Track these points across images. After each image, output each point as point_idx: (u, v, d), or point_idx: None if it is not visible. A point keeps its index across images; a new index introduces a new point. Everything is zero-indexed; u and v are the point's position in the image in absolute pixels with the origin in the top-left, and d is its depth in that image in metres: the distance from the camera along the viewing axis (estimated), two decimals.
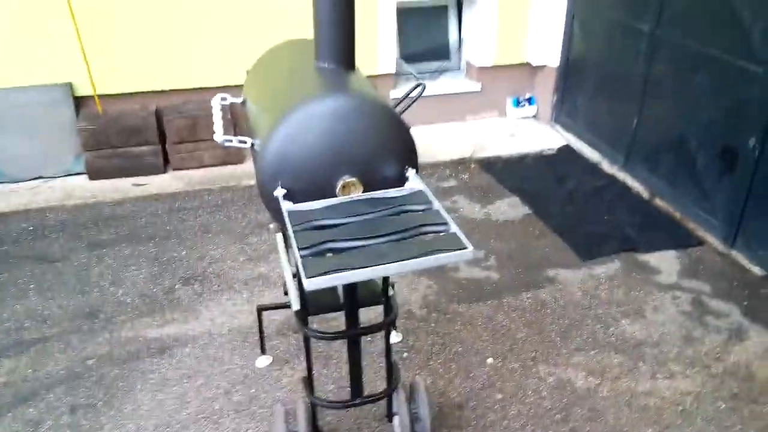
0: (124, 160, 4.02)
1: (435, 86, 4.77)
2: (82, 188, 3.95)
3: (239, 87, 2.34)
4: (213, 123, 2.04)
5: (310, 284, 1.35)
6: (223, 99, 2.11)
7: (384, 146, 1.73)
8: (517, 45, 4.74)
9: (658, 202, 3.69)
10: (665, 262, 3.20)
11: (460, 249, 1.42)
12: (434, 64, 5.01)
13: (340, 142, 1.70)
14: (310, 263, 1.40)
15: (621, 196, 3.82)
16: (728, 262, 3.17)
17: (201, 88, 4.16)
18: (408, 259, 1.38)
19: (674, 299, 2.94)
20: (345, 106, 1.70)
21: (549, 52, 4.67)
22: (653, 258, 3.23)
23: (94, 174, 4.01)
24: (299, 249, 1.45)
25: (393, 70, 4.62)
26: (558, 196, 3.88)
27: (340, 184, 1.70)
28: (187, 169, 4.17)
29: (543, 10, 4.57)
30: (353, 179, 1.70)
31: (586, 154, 4.37)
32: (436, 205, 1.61)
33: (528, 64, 4.83)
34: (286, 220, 1.57)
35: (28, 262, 3.26)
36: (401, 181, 1.76)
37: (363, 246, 1.48)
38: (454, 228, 1.52)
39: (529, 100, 4.97)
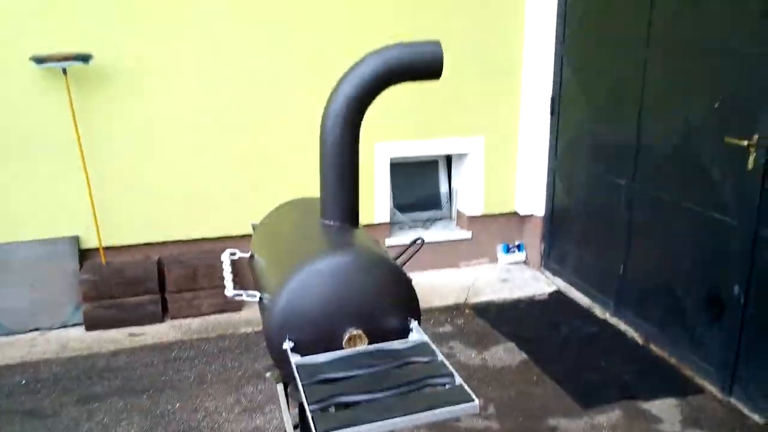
0: (123, 310, 4.06)
1: (428, 234, 4.97)
2: (78, 339, 3.94)
3: (237, 237, 2.45)
4: (215, 273, 2.13)
5: None
6: (233, 254, 2.22)
7: (387, 299, 1.82)
8: (505, 196, 5.02)
9: (653, 347, 3.72)
10: (666, 410, 3.18)
11: (466, 402, 1.46)
12: (426, 214, 5.26)
13: (345, 296, 1.79)
14: (319, 418, 1.43)
15: (615, 342, 3.86)
16: (728, 410, 3.15)
17: (202, 239, 4.32)
18: (416, 412, 1.41)
19: None
20: (349, 263, 1.81)
21: (534, 203, 4.93)
22: (654, 406, 3.21)
23: (92, 324, 4.03)
24: (309, 404, 1.48)
25: (388, 219, 4.83)
26: (553, 341, 3.91)
27: (346, 336, 1.77)
28: (185, 317, 4.20)
29: (527, 165, 4.90)
30: (359, 331, 1.77)
31: (578, 300, 4.46)
32: (440, 356, 1.66)
33: (516, 213, 5.07)
34: (295, 374, 1.61)
35: (18, 417, 3.18)
36: (405, 332, 1.83)
37: (371, 400, 1.52)
38: (459, 380, 1.56)
39: (519, 247, 5.16)
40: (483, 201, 4.99)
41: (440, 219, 5.30)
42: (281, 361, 1.78)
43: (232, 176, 4.34)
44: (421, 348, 1.73)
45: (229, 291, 2.00)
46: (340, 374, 1.62)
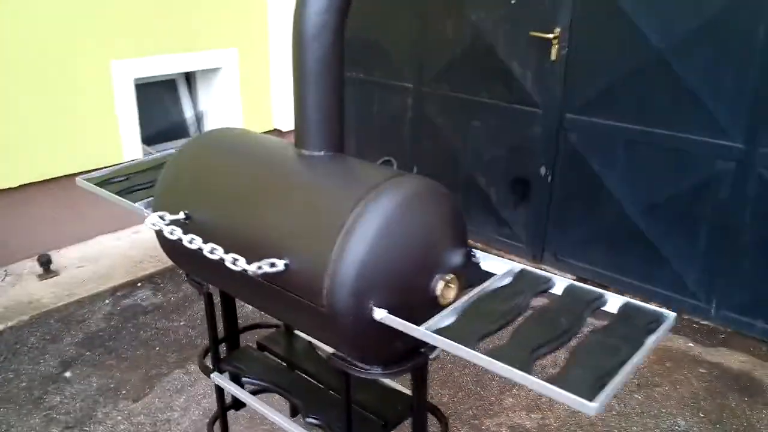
0: None
1: None
2: None
3: None
4: None
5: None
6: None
7: (453, 231, 1.51)
8: (264, 112, 4.62)
9: None
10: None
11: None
12: (173, 144, 4.51)
13: (424, 237, 1.43)
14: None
15: None
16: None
17: None
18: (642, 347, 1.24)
19: None
20: (419, 196, 1.45)
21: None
22: None
23: None
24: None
25: (141, 157, 3.99)
26: None
27: (440, 285, 1.43)
28: None
29: (284, 76, 4.56)
30: (452, 275, 1.44)
31: None
32: (557, 278, 1.48)
33: (277, 131, 4.74)
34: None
35: None
36: (468, 265, 1.57)
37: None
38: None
39: None
40: (242, 121, 4.50)
41: None
42: (363, 335, 1.36)
43: None
44: (528, 279, 1.51)
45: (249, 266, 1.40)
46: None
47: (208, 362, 2.05)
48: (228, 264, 1.43)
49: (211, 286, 1.89)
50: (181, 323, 3.29)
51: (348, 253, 1.33)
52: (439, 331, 1.28)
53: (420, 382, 1.61)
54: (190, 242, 1.50)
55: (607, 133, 3.20)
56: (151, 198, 1.86)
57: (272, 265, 1.41)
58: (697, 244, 3.03)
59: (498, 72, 3.54)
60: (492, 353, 1.18)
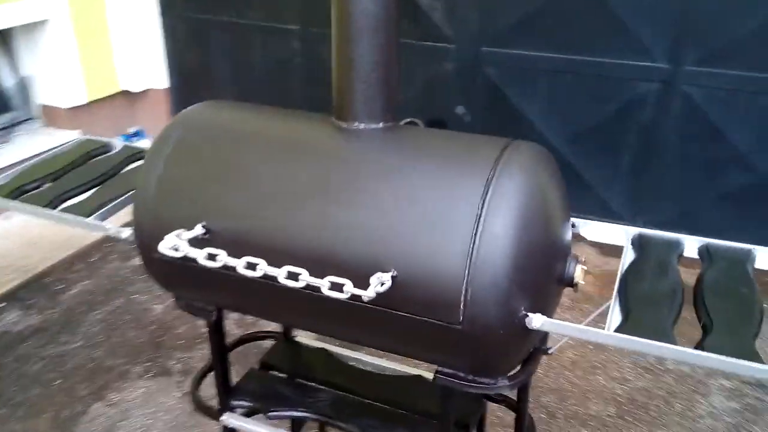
0: None
1: (11, 150, 3.45)
2: None
3: None
4: None
5: None
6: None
7: (567, 201, 1.27)
8: (107, 72, 3.82)
9: None
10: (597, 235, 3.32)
11: None
12: None
13: (554, 212, 1.17)
14: None
15: None
16: None
17: None
18: None
19: None
20: (541, 159, 1.19)
21: (150, 73, 3.95)
22: None
23: None
24: None
25: None
26: None
27: (578, 269, 1.18)
28: None
29: (127, 26, 3.79)
30: (583, 257, 1.20)
31: None
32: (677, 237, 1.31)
33: (126, 92, 3.97)
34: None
35: None
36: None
37: None
38: None
39: (138, 134, 4.14)
40: (85, 84, 3.68)
41: (20, 123, 3.69)
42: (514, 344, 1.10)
43: None
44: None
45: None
46: None
47: (206, 395, 1.62)
48: (324, 291, 1.05)
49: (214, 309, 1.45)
50: (77, 344, 2.67)
51: (492, 250, 1.04)
52: (627, 330, 1.05)
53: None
54: (250, 268, 1.09)
55: (526, 64, 3.09)
56: (107, 208, 1.36)
57: (382, 283, 1.06)
58: (621, 167, 3.10)
59: (402, 5, 3.23)
60: (710, 347, 0.99)
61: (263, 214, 1.22)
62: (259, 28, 3.64)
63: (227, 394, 1.56)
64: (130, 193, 1.51)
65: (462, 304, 1.07)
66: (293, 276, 1.05)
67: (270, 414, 1.55)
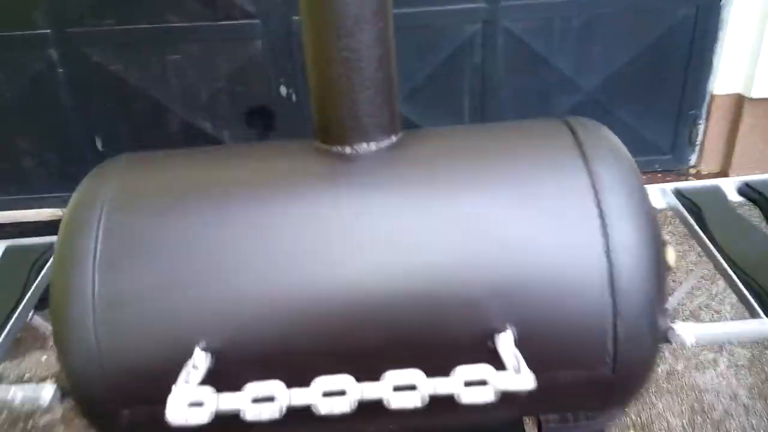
0: None
1: None
2: None
3: None
4: None
5: None
6: None
7: None
8: None
9: None
10: None
11: None
12: None
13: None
14: None
15: None
16: None
17: None
18: None
19: None
20: (613, 138, 0.98)
21: None
22: None
23: None
24: None
25: None
26: None
27: (670, 252, 1.02)
28: None
29: None
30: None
31: None
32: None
33: None
34: None
35: None
36: None
37: None
38: None
39: None
40: None
41: None
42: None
43: None
44: None
45: None
46: None
47: None
48: (464, 399, 0.75)
49: None
50: None
51: (631, 265, 0.84)
52: None
53: None
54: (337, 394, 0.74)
55: None
56: None
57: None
58: (462, 113, 3.07)
59: None
60: None
61: (293, 296, 0.82)
62: None
63: None
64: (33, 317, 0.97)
65: (611, 345, 0.86)
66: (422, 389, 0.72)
67: None
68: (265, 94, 2.97)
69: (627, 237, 0.84)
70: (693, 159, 3.23)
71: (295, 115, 3.02)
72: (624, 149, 0.97)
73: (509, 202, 0.88)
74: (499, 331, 0.84)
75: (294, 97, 2.98)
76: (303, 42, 0.97)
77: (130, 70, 2.87)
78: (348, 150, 0.94)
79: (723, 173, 3.22)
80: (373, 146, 0.94)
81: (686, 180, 3.17)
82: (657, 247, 0.88)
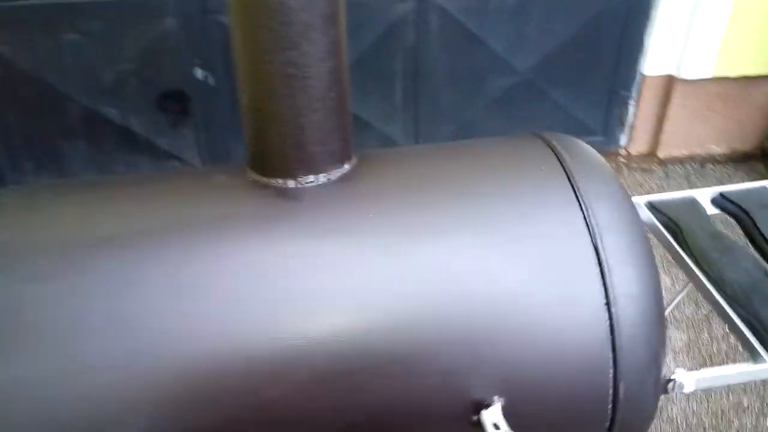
0: None
1: None
2: None
3: None
4: None
5: None
6: None
7: None
8: None
9: None
10: None
11: None
12: None
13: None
14: None
15: None
16: None
17: None
18: None
19: None
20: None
21: None
22: None
23: None
24: None
25: None
26: None
27: None
28: None
29: None
30: None
31: None
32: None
33: None
34: None
35: None
36: None
37: None
38: None
39: None
40: None
41: None
42: None
43: None
44: None
45: None
46: None
47: None
48: None
49: None
50: None
51: (634, 316, 0.73)
52: None
53: None
54: None
55: None
56: None
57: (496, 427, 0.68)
58: (395, 97, 2.91)
59: None
60: None
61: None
62: None
63: None
64: None
65: (610, 405, 0.75)
66: None
67: None
68: (178, 78, 2.69)
69: (628, 284, 0.72)
70: (623, 140, 3.23)
71: (212, 100, 2.76)
72: (610, 169, 0.86)
73: (490, 248, 0.74)
74: (485, 404, 0.71)
75: (211, 80, 2.72)
76: (234, 48, 0.78)
77: (19, 51, 2.51)
78: (291, 184, 0.77)
79: (651, 153, 3.24)
80: (321, 178, 0.77)
81: (616, 159, 3.18)
82: (659, 291, 0.77)
